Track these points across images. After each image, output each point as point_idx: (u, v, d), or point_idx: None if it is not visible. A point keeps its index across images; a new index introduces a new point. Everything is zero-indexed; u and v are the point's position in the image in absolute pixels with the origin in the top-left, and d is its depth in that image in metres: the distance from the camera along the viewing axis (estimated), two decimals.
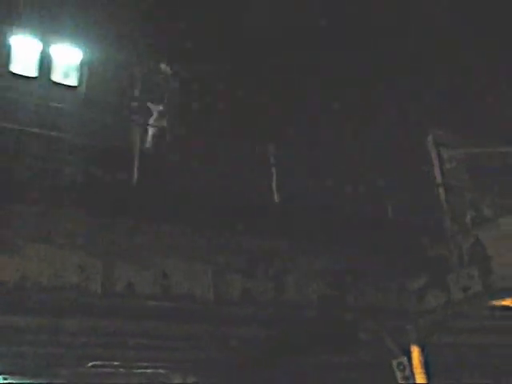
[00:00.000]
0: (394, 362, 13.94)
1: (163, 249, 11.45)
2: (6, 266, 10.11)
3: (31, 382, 17.88)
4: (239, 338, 15.63)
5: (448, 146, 14.95)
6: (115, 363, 17.60)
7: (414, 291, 13.83)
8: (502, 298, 13.46)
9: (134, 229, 11.35)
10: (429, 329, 14.03)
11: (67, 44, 14.70)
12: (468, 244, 12.82)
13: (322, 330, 14.92)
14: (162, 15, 16.44)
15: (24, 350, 15.49)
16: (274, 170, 12.55)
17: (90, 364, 17.21)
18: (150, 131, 14.31)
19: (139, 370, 18.73)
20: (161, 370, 19.00)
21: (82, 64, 14.77)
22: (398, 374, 13.86)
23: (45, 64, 14.35)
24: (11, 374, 17.57)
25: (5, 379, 17.77)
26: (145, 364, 18.37)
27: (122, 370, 18.18)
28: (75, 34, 14.65)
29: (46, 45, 14.49)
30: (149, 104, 14.92)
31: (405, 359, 13.75)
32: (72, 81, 14.55)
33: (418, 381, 13.53)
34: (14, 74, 14.09)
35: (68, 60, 14.69)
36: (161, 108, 14.88)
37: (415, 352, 13.75)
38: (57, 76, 14.46)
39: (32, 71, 14.21)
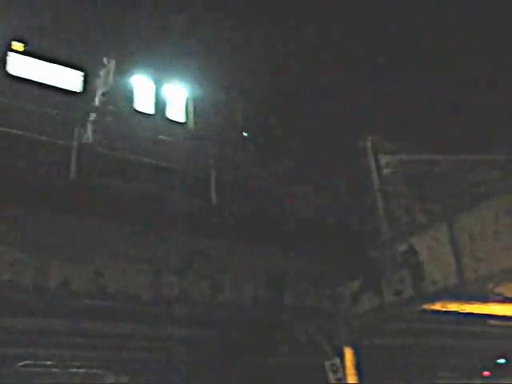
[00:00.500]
0: (327, 364, 14.12)
1: (99, 247, 11.31)
2: None
3: None
4: (174, 338, 15.57)
5: (385, 152, 15.27)
6: (47, 363, 17.24)
7: (348, 294, 14.06)
8: (432, 302, 13.86)
9: (70, 226, 11.18)
10: (362, 331, 14.30)
11: (177, 83, 15.85)
12: (401, 249, 13.11)
13: (257, 331, 15.03)
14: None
15: None
16: (212, 171, 12.58)
17: (20, 364, 16.81)
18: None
19: (72, 370, 18.39)
20: (94, 370, 18.71)
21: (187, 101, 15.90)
22: (331, 375, 14.05)
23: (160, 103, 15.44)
24: None
25: None
26: (78, 363, 18.07)
27: (54, 369, 17.83)
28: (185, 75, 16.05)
29: (159, 85, 15.61)
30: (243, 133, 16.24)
31: (337, 360, 13.95)
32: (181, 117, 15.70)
33: (349, 382, 13.75)
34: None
35: (178, 99, 15.85)
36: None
37: (348, 353, 13.96)
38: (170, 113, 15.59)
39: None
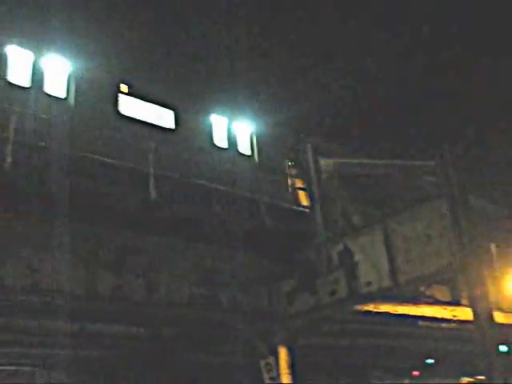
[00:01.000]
0: (262, 363, 14.20)
1: (33, 242, 11.05)
2: None
3: None
4: (108, 335, 15.38)
5: (324, 154, 15.48)
6: None
7: (283, 294, 14.18)
8: (366, 302, 14.14)
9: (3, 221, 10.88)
10: (296, 331, 14.44)
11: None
12: (337, 250, 13.31)
13: (192, 329, 14.99)
14: None
15: None
16: (151, 168, 12.49)
17: None
18: None
19: (1, 367, 17.91)
20: (24, 368, 18.26)
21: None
22: (265, 375, 14.12)
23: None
24: None
25: None
26: (8, 361, 17.60)
27: None
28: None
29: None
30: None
31: (272, 360, 14.04)
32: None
33: (283, 381, 13.85)
34: None
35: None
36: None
37: (282, 353, 14.06)
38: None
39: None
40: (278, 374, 13.95)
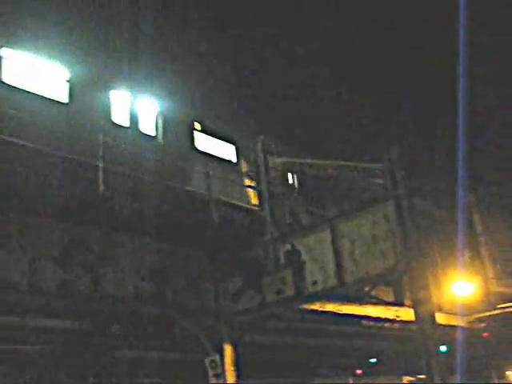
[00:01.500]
0: (207, 360, 14.18)
1: None
2: None
3: None
4: (52, 329, 15.09)
5: (274, 153, 15.56)
6: None
7: (229, 291, 14.19)
8: (312, 302, 14.27)
9: None
10: (242, 328, 14.47)
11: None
12: (284, 249, 13.40)
13: (137, 325, 14.85)
14: None
15: None
16: (100, 161, 12.32)
17: None
18: None
19: None
20: None
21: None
22: (210, 372, 14.12)
23: None
24: None
25: None
26: None
27: None
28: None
29: None
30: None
31: (217, 357, 14.04)
32: None
33: (228, 378, 13.88)
34: None
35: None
36: None
37: (228, 350, 14.09)
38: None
39: None
40: (223, 372, 13.97)
